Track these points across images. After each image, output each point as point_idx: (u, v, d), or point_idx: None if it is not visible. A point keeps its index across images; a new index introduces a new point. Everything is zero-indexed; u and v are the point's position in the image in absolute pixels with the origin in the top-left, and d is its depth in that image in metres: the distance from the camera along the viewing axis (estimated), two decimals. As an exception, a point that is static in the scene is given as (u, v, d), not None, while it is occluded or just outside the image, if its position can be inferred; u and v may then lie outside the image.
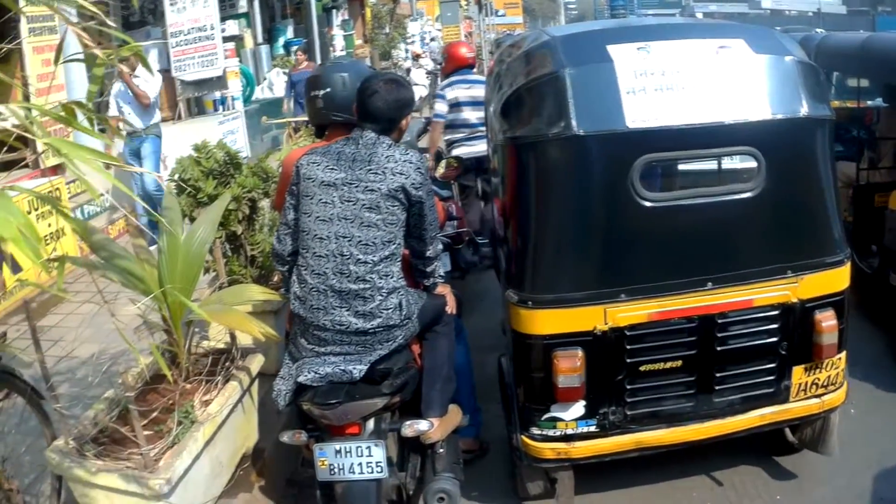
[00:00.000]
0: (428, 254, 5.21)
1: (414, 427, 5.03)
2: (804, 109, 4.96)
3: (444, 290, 5.54)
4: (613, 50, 5.05)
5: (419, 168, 4.90)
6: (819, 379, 5.44)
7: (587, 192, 4.95)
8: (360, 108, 5.01)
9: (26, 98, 11.09)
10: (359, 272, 4.79)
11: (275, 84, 22.46)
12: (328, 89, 5.53)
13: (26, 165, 11.31)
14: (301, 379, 4.84)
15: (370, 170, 4.82)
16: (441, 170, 8.51)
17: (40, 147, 10.44)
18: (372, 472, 4.79)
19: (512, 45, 6.62)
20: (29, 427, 5.71)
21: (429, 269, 5.31)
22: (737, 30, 5.57)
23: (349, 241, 4.79)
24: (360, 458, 4.79)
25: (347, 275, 4.79)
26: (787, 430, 6.01)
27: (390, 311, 4.86)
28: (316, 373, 4.82)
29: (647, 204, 4.88)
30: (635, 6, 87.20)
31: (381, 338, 4.90)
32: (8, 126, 4.29)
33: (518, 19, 54.34)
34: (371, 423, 4.92)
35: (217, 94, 18.89)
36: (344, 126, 5.33)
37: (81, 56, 4.23)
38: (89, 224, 6.17)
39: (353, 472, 4.80)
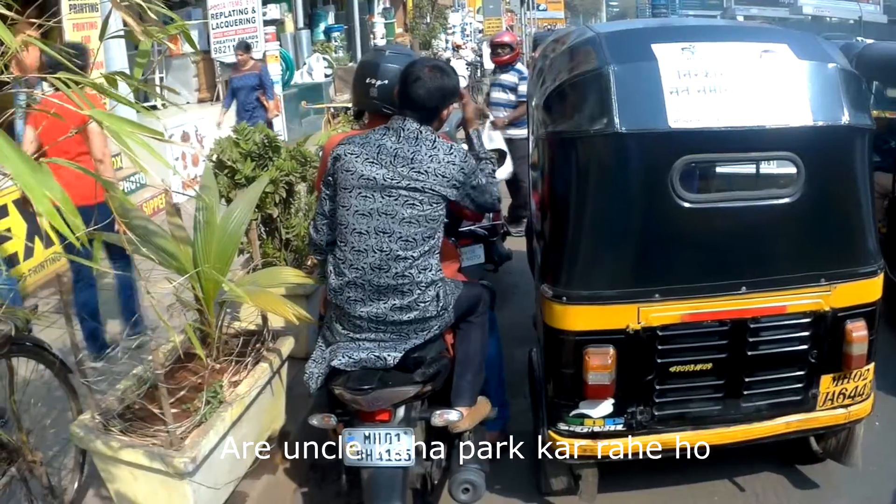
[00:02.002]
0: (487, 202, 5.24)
1: (444, 416, 5.02)
2: (845, 118, 4.93)
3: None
4: (658, 49, 5.02)
5: (463, 168, 4.84)
6: (846, 389, 5.42)
7: (626, 190, 4.92)
8: (402, 95, 4.92)
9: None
10: (398, 269, 4.76)
11: (314, 69, 22.42)
12: (385, 81, 5.38)
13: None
14: (335, 363, 4.85)
15: (412, 168, 4.74)
16: None
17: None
18: (400, 460, 4.80)
19: (556, 40, 6.59)
20: (55, 400, 5.74)
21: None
22: (781, 34, 5.53)
23: (389, 236, 4.74)
24: (388, 445, 4.80)
25: (387, 270, 4.76)
26: (812, 439, 5.99)
27: (427, 303, 4.86)
28: (350, 357, 4.84)
29: (686, 205, 4.86)
30: (677, 6, 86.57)
31: (416, 328, 4.90)
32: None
33: (559, 14, 54.20)
34: (401, 411, 4.94)
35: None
36: (384, 116, 5.25)
37: (125, 32, 4.24)
38: (128, 200, 6.19)
39: (381, 459, 4.80)
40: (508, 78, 13.02)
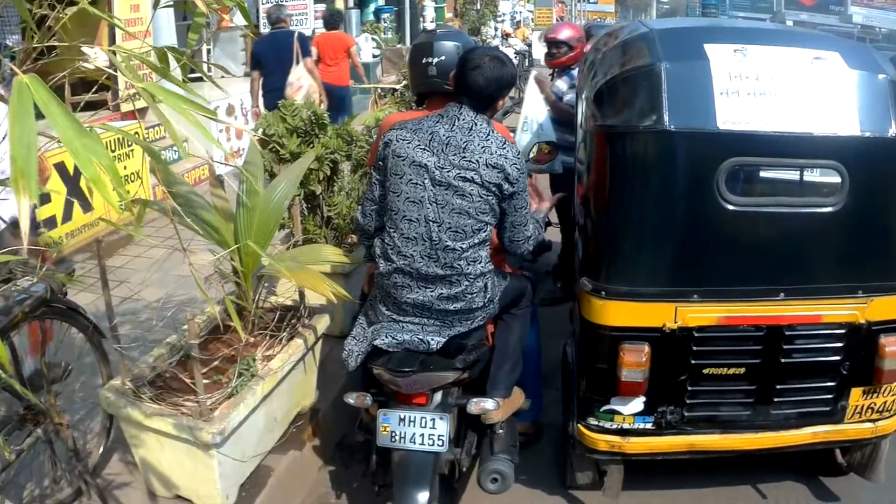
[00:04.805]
0: (514, 250, 5.17)
1: (480, 405, 5.02)
2: (893, 130, 4.87)
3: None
4: (710, 49, 4.99)
5: (515, 164, 4.76)
6: (875, 403, 5.39)
7: (672, 188, 4.90)
8: (460, 81, 4.86)
9: (113, 41, 11.20)
10: (447, 259, 4.74)
11: (362, 49, 22.47)
12: (442, 57, 5.40)
13: (107, 108, 11.41)
14: (378, 342, 4.85)
15: (464, 157, 4.68)
16: (533, 153, 8.40)
17: (122, 92, 10.53)
18: (433, 445, 4.79)
19: (609, 34, 6.56)
20: (85, 364, 5.78)
21: (511, 261, 5.30)
22: (833, 42, 5.48)
23: (439, 226, 4.71)
24: (423, 429, 4.79)
25: (436, 259, 4.75)
26: (838, 452, 5.98)
27: (475, 294, 4.86)
28: (393, 338, 4.84)
29: (730, 207, 4.83)
30: (727, 7, 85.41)
31: (462, 317, 4.91)
32: (100, 65, 4.31)
33: (609, 8, 53.51)
34: (438, 396, 4.94)
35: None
36: (445, 97, 5.21)
37: (176, 2, 4.25)
38: (172, 170, 6.22)
39: (414, 442, 4.80)
40: (560, 85, 9.57)
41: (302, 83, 13.17)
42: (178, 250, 4.94)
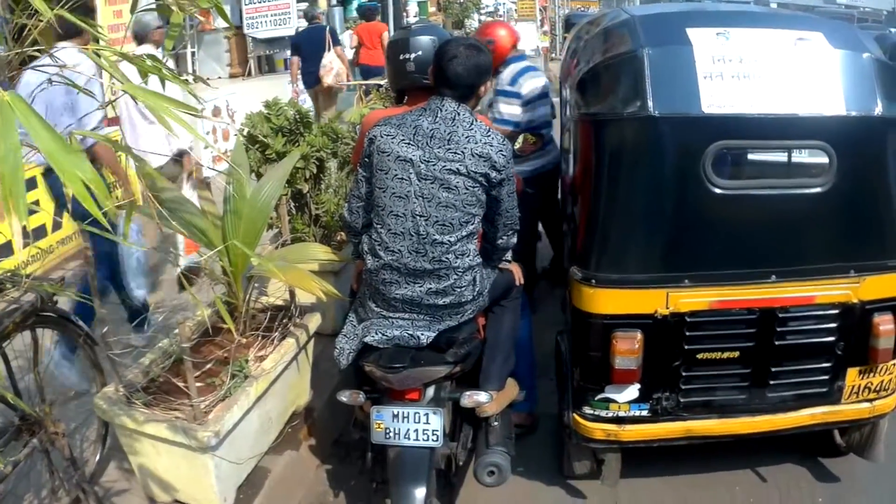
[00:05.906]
0: (498, 243, 5.10)
1: (473, 398, 5.00)
2: (878, 109, 4.87)
3: (511, 266, 5.51)
4: (693, 33, 4.99)
5: (501, 150, 4.72)
6: (872, 383, 5.38)
7: (659, 174, 4.89)
8: (438, 73, 4.83)
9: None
10: (435, 253, 4.71)
11: (346, 46, 22.59)
12: (419, 52, 5.40)
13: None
14: (368, 339, 4.84)
15: (449, 149, 4.65)
16: (518, 144, 8.33)
17: (104, 97, 10.48)
18: (427, 440, 4.78)
19: (590, 22, 6.56)
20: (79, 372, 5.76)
21: (495, 257, 5.21)
22: (816, 23, 5.47)
23: (426, 220, 4.68)
24: (416, 425, 4.78)
25: (423, 254, 4.71)
26: (836, 433, 5.98)
27: (463, 288, 4.83)
28: (383, 335, 4.82)
29: (718, 191, 4.83)
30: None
31: (451, 311, 4.88)
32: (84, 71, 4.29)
33: (593, -3, 53.34)
34: (431, 391, 4.93)
35: (288, 54, 19.28)
36: (425, 91, 5.20)
37: (155, 5, 4.22)
38: (157, 173, 6.19)
39: (409, 438, 4.79)
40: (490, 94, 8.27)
41: (333, 66, 16.90)
42: (172, 254, 4.93)
